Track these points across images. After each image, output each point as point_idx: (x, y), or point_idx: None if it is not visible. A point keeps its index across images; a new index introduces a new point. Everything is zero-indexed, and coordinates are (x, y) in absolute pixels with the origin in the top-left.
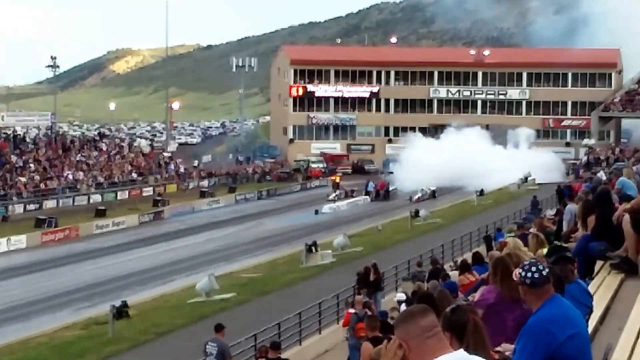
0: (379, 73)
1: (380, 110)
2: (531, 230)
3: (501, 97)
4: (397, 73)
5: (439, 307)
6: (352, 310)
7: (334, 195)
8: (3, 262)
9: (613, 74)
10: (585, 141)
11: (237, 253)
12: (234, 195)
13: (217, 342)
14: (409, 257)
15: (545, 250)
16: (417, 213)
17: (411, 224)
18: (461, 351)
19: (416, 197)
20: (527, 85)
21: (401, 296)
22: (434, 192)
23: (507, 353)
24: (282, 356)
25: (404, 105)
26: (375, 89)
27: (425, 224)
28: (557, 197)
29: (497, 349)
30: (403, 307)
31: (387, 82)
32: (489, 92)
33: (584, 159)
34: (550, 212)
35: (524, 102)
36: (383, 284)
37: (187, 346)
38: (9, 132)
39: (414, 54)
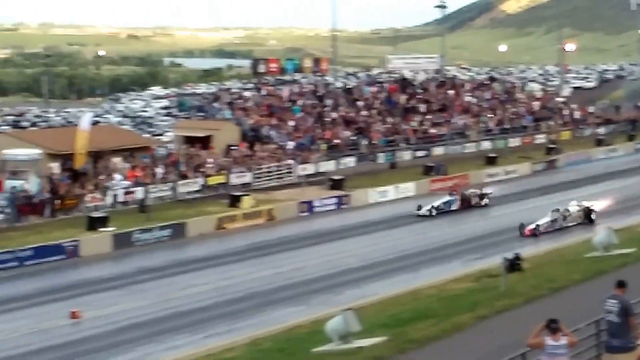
0: None
1: None
2: None
3: None
4: None
5: None
6: None
7: None
8: (391, 210)
9: None
10: None
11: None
12: (633, 143)
13: (618, 299)
14: None
15: None
16: None
17: None
18: None
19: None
20: None
21: None
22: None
23: None
24: None
25: None
26: None
27: None
28: None
29: None
30: None
31: None
32: None
33: None
34: None
35: None
36: None
37: (583, 303)
38: (397, 76)
39: None
